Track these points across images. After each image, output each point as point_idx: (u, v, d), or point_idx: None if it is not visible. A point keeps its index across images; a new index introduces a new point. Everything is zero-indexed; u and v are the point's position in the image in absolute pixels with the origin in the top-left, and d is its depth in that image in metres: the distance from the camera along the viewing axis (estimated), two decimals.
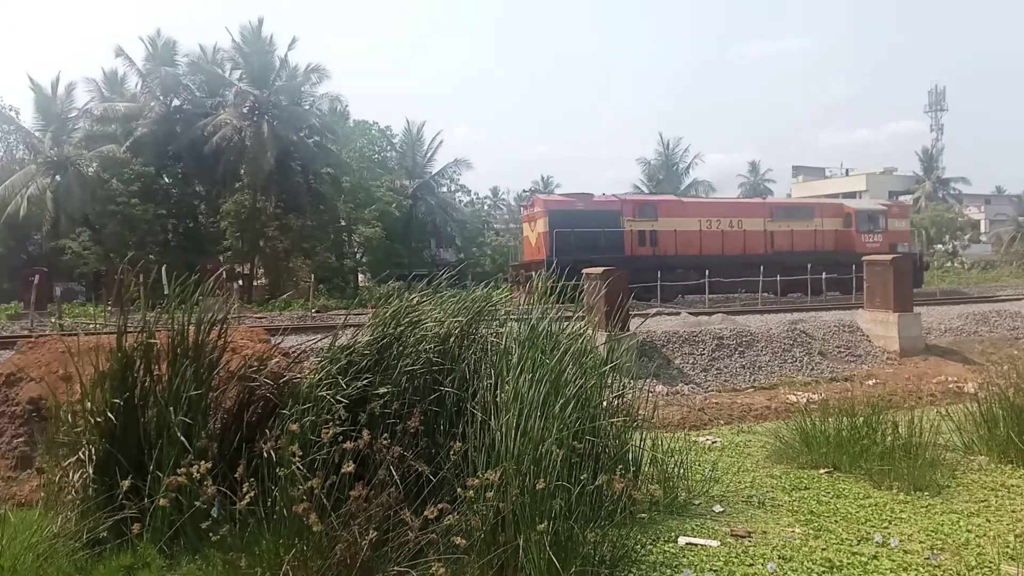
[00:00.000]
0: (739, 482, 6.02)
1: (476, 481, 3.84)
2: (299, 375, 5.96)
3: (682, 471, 5.54)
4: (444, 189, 47.34)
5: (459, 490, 3.99)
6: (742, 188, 79.14)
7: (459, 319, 5.60)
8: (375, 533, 3.60)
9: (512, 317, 5.75)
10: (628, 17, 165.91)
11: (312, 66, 36.24)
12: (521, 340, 5.10)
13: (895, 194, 58.38)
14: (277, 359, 6.32)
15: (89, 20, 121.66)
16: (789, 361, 14.27)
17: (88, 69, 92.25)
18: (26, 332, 13.64)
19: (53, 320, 15.04)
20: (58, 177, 33.29)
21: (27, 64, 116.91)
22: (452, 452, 4.28)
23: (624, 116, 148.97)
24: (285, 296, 28.32)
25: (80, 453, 5.19)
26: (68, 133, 36.12)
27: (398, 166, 46.25)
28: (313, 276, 30.35)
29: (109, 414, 5.18)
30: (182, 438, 5.00)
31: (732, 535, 4.73)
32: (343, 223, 39.14)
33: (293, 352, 6.57)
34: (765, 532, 4.82)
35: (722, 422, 9.81)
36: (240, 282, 30.17)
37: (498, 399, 4.51)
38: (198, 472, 4.13)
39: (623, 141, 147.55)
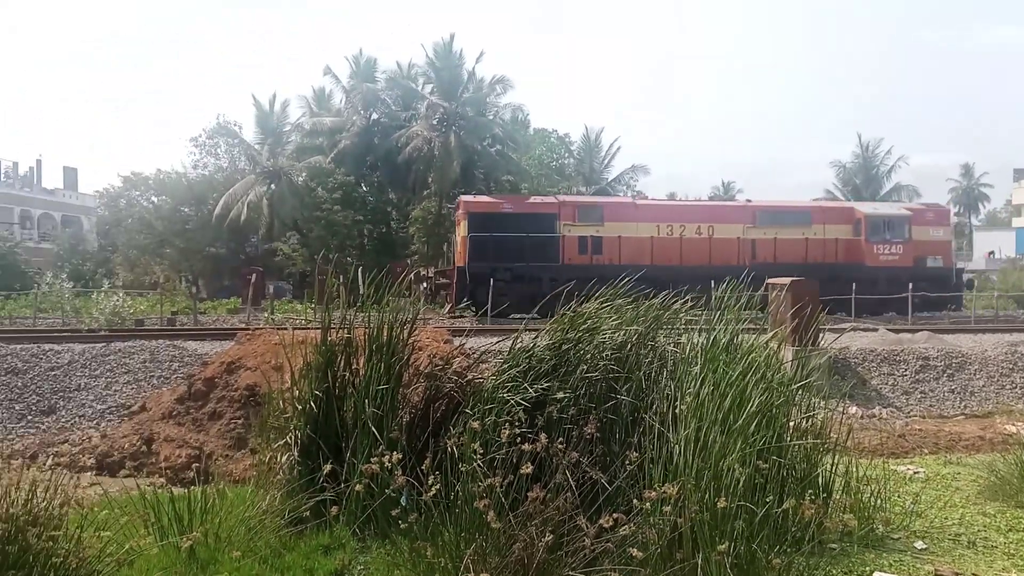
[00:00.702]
0: (945, 518, 5.44)
1: (653, 494, 3.77)
2: (480, 376, 6.19)
3: (879, 501, 5.09)
4: (620, 195, 47.08)
5: (635, 501, 3.94)
6: (952, 194, 71.66)
7: (635, 327, 5.54)
8: (551, 536, 3.65)
9: (692, 327, 5.59)
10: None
11: (497, 78, 37.62)
12: (702, 351, 4.94)
13: None
14: (460, 359, 6.61)
15: (302, 43, 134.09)
16: (1008, 387, 12.73)
17: (300, 87, 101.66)
18: (243, 325, 15.23)
19: (266, 315, 16.71)
20: (273, 185, 36.94)
21: (251, 85, 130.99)
22: (628, 462, 4.23)
23: (817, 114, 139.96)
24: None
25: (287, 437, 5.71)
26: (282, 145, 40.08)
27: (575, 172, 46.71)
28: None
29: (312, 403, 5.66)
30: (373, 429, 5.36)
31: None
32: None
33: (473, 353, 6.84)
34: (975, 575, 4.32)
35: (926, 451, 8.94)
36: (425, 284, 31.85)
37: (677, 411, 4.40)
38: (389, 462, 4.40)
39: (817, 140, 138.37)
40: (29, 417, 10.32)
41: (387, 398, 5.65)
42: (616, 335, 5.36)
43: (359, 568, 4.40)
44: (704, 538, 3.71)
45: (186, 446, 8.45)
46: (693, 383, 4.57)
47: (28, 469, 3.75)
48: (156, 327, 17.42)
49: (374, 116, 39.57)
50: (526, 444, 4.22)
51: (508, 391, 5.38)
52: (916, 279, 22.60)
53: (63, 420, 10.23)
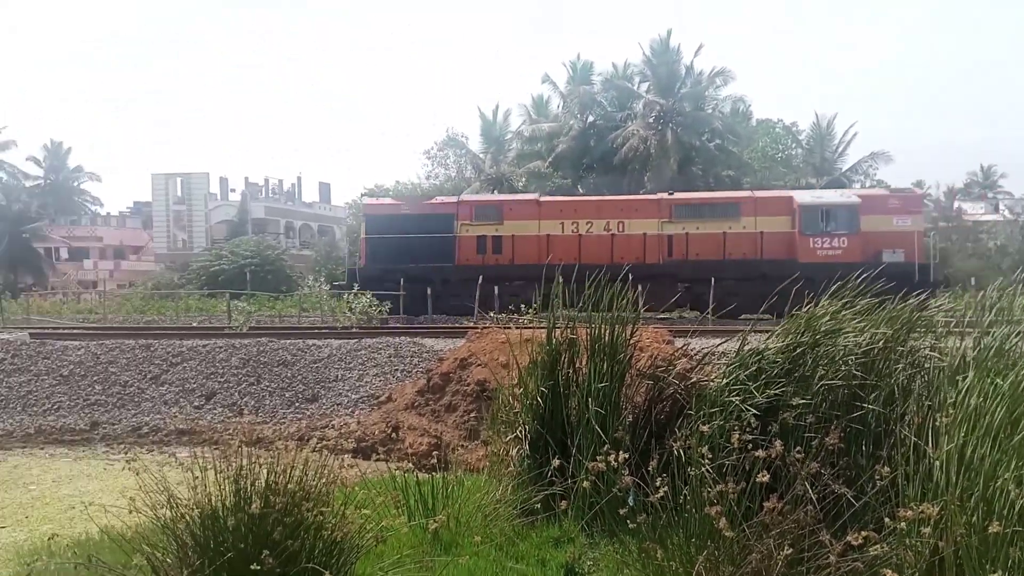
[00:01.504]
0: None
1: (909, 513, 3.44)
2: (706, 378, 6.03)
3: None
4: (857, 186, 43.28)
5: (887, 519, 3.61)
6: None
7: (883, 330, 5.07)
8: (791, 550, 3.46)
9: (954, 330, 5.01)
10: None
11: (716, 70, 36.38)
12: (973, 358, 4.41)
13: None
14: (683, 361, 6.48)
15: (522, 54, 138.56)
16: None
17: (521, 97, 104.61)
18: (471, 324, 16.14)
19: (491, 314, 17.62)
20: (496, 192, 38.77)
21: (476, 98, 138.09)
22: (878, 476, 3.89)
23: None
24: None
25: (517, 431, 5.98)
26: (504, 153, 41.93)
27: (804, 163, 43.70)
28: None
29: (539, 399, 5.87)
30: (597, 427, 5.44)
31: None
32: None
33: (695, 354, 6.68)
34: None
35: None
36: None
37: (937, 423, 3.97)
38: (615, 461, 4.43)
39: None
40: (296, 404, 11.78)
41: (609, 397, 5.71)
42: (861, 338, 4.95)
43: (588, 563, 4.48)
44: (972, 564, 3.31)
45: (426, 435, 9.16)
46: (958, 393, 4.09)
47: (300, 451, 4.27)
48: (398, 326, 19.04)
49: (590, 119, 40.04)
50: (759, 451, 4.04)
51: (736, 395, 5.19)
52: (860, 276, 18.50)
53: (324, 407, 11.55)
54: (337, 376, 12.34)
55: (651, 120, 36.53)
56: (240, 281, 35.19)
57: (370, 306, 18.97)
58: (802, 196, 23.67)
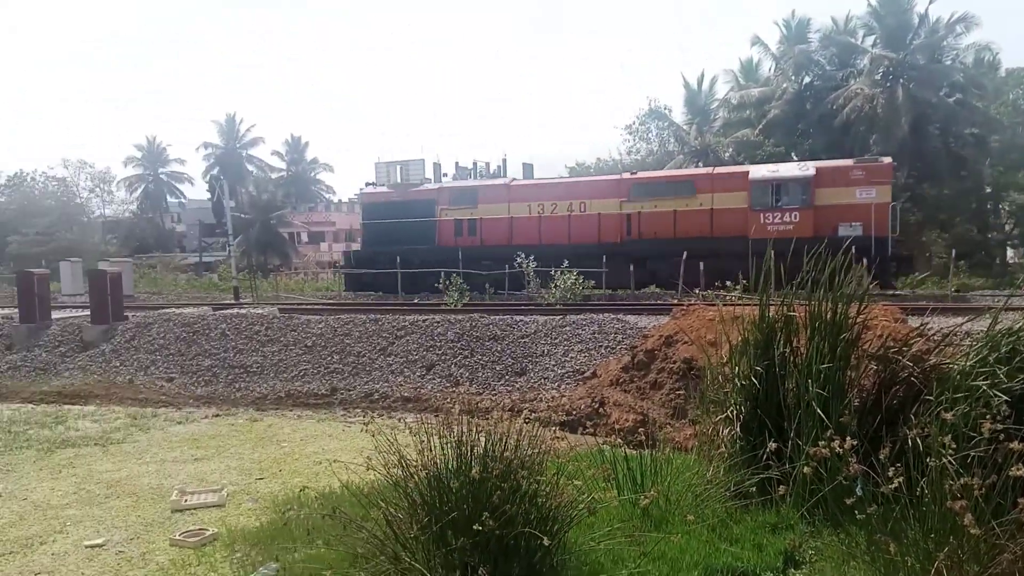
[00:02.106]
0: None
1: None
2: (947, 360, 5.44)
3: None
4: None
5: None
6: None
7: None
8: None
9: None
10: None
11: (957, 16, 32.13)
12: None
13: None
14: (919, 341, 5.90)
15: (730, 17, 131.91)
16: None
17: (728, 62, 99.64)
18: (675, 301, 15.83)
19: (696, 291, 17.20)
20: (700, 164, 37.46)
21: (681, 67, 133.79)
22: None
23: None
24: (918, 275, 26.10)
25: (728, 411, 5.79)
26: (709, 123, 40.31)
27: None
28: (953, 251, 27.14)
29: (753, 379, 5.64)
30: (819, 411, 5.12)
31: None
32: (988, 190, 33.89)
33: (934, 334, 6.04)
34: None
35: None
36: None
37: None
38: (840, 448, 4.16)
39: None
40: (507, 377, 12.30)
41: (832, 379, 5.34)
42: None
43: (810, 552, 4.26)
44: None
45: (632, 411, 9.16)
46: None
47: (513, 421, 4.46)
48: (602, 303, 19.17)
49: (806, 80, 37.21)
50: (1014, 443, 3.59)
51: (984, 379, 4.64)
52: (812, 249, 14.64)
53: (531, 381, 11.96)
54: (543, 351, 12.70)
55: (878, 77, 33.18)
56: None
57: (575, 284, 19.25)
58: (757, 171, 22.82)
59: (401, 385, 12.29)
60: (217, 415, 10.43)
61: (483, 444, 4.35)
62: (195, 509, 6.03)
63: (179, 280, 39.35)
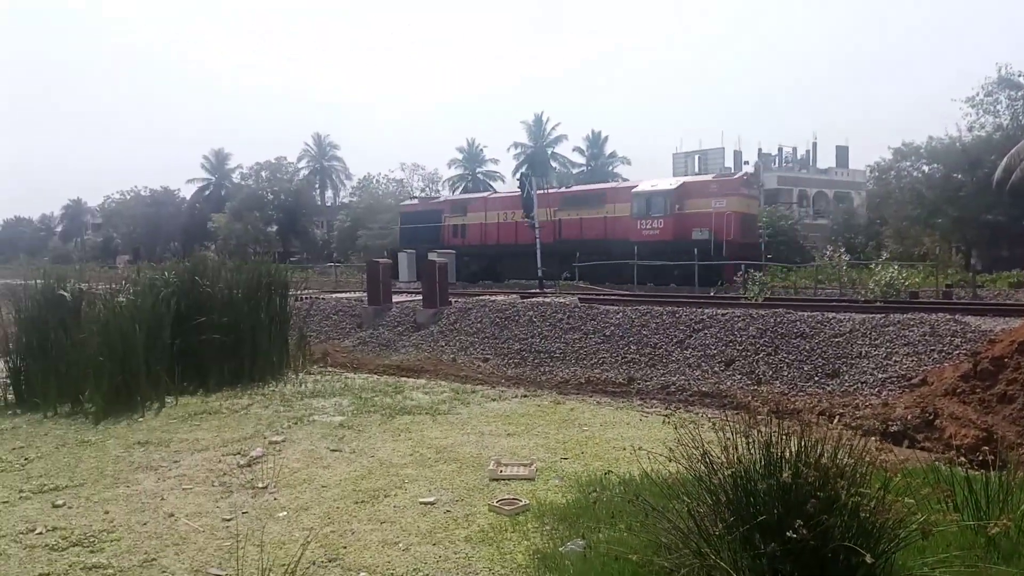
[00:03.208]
0: None
1: None
2: None
3: None
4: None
5: None
6: None
7: None
8: None
9: None
10: None
11: None
12: None
13: None
14: None
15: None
16: None
17: None
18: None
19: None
20: None
21: None
22: None
23: None
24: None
25: None
26: None
27: None
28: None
29: None
30: None
31: None
32: None
33: None
34: None
35: None
36: None
37: None
38: None
39: None
40: (816, 378, 11.44)
41: None
42: None
43: None
44: None
45: (972, 426, 7.94)
46: None
47: (829, 426, 4.13)
48: (931, 300, 16.96)
49: None
50: None
51: None
52: (675, 252, 24.26)
53: (845, 384, 10.97)
54: (860, 352, 11.58)
55: None
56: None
57: (899, 276, 17.26)
58: (640, 186, 28.14)
59: (699, 379, 12.09)
60: (525, 396, 11.20)
61: (794, 447, 4.12)
62: (508, 480, 6.55)
63: None
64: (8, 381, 10.79)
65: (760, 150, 65.65)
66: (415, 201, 40.06)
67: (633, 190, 28.32)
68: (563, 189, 33.39)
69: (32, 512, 5.94)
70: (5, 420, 9.60)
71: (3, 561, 4.94)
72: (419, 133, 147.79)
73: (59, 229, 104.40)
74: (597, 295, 20.98)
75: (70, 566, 4.83)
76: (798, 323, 12.83)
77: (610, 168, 79.15)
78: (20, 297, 11.32)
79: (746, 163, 65.19)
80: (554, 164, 74.15)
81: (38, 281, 11.52)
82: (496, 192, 38.74)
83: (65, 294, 11.26)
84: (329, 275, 38.58)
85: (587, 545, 4.79)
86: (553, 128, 75.58)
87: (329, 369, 14.10)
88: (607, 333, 14.54)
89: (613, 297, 19.95)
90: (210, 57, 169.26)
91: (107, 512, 5.92)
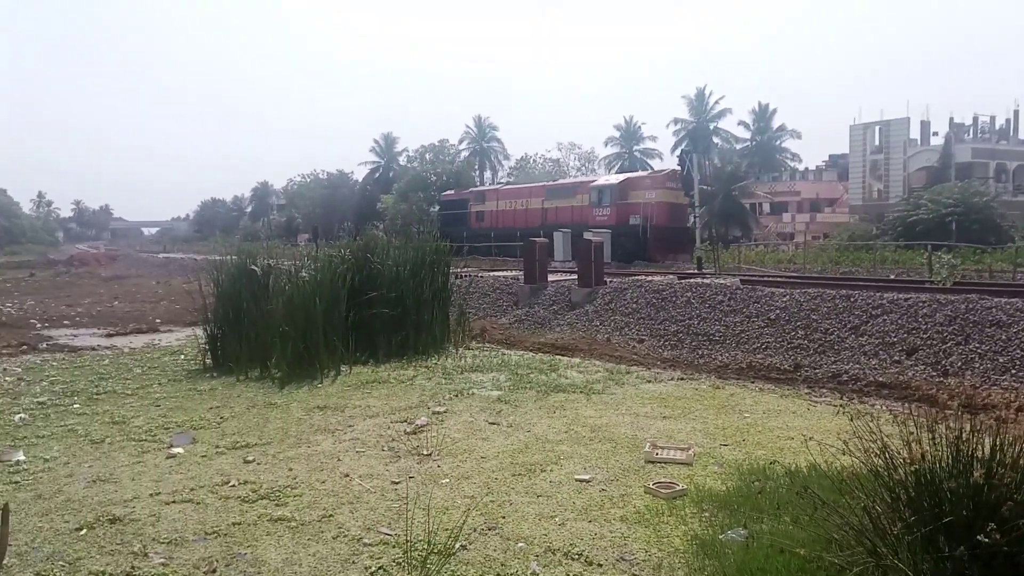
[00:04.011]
0: None
1: None
2: None
3: None
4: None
5: None
6: None
7: None
8: None
9: None
10: None
11: None
12: None
13: None
14: None
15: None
16: None
17: None
18: None
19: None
20: None
21: None
22: None
23: None
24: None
25: None
26: None
27: None
28: None
29: None
30: None
31: None
32: None
33: None
34: None
35: None
36: None
37: None
38: None
39: None
40: (1013, 371, 10.30)
41: None
42: None
43: None
44: None
45: None
46: None
47: None
48: None
49: None
50: None
51: None
52: (617, 235, 29.80)
53: None
54: None
55: None
56: (940, 232, 32.56)
57: None
58: (598, 181, 35.84)
59: (876, 368, 11.28)
60: (682, 378, 10.96)
61: (987, 446, 3.75)
62: (665, 463, 6.45)
63: None
64: (207, 347, 12.03)
65: (952, 120, 59.49)
66: (451, 192, 47.65)
67: (591, 184, 35.43)
68: (548, 183, 41.26)
69: (227, 466, 6.61)
70: (204, 382, 10.73)
71: (202, 509, 5.54)
72: (577, 111, 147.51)
73: (249, 209, 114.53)
74: (760, 277, 20.07)
75: (259, 517, 5.33)
76: (993, 310, 11.59)
77: (778, 142, 75.09)
78: (218, 271, 12.56)
79: (935, 134, 59.43)
80: (716, 139, 71.43)
81: (232, 257, 12.72)
82: (507, 184, 49.22)
83: (256, 269, 12.36)
84: (487, 254, 39.75)
85: (749, 535, 4.63)
86: (716, 102, 72.78)
87: (487, 345, 14.52)
88: (771, 317, 13.87)
89: (778, 279, 18.98)
90: (378, 44, 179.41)
91: (290, 469, 6.48)
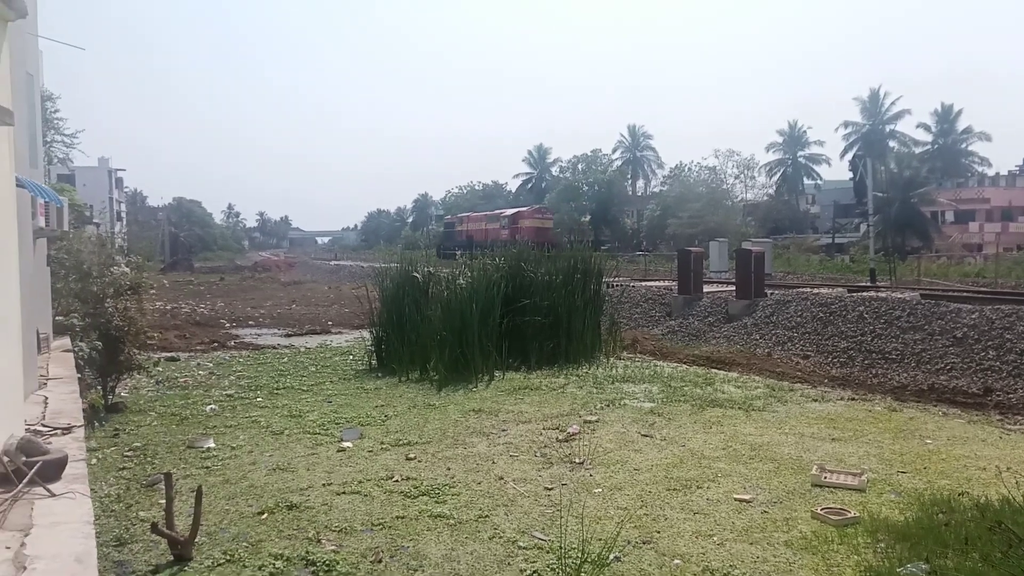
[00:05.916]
0: None
1: None
2: None
3: None
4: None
5: None
6: None
7: None
8: None
9: None
10: None
11: None
12: None
13: None
14: None
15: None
16: None
17: None
18: None
19: None
20: None
21: None
22: None
23: None
24: None
25: None
26: None
27: None
28: None
29: None
30: None
31: None
32: None
33: None
34: None
35: None
36: None
37: None
38: None
39: None
40: None
41: None
42: None
43: None
44: None
45: None
46: None
47: None
48: None
49: None
50: None
51: None
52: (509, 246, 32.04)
53: None
54: None
55: None
56: None
57: None
58: (505, 212, 54.20)
59: None
60: (852, 399, 10.23)
61: None
62: (834, 488, 6.05)
63: (811, 261, 39.96)
64: (372, 348, 12.73)
65: None
66: (450, 216, 66.93)
67: (501, 215, 52.74)
68: (487, 212, 58.78)
69: (391, 462, 6.95)
70: (370, 381, 11.35)
71: (369, 501, 5.85)
72: (736, 115, 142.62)
73: (410, 220, 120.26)
74: (944, 291, 18.35)
75: (420, 512, 5.55)
76: None
77: (963, 146, 68.51)
78: (383, 278, 13.29)
79: None
80: (892, 143, 66.25)
81: (395, 265, 13.39)
82: (469, 214, 63.83)
83: (417, 276, 12.94)
84: (638, 263, 39.15)
85: (931, 571, 4.23)
86: (892, 103, 67.49)
87: (638, 356, 14.30)
88: (957, 335, 12.63)
89: (965, 294, 17.27)
90: (537, 62, 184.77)
91: (449, 468, 6.70)
